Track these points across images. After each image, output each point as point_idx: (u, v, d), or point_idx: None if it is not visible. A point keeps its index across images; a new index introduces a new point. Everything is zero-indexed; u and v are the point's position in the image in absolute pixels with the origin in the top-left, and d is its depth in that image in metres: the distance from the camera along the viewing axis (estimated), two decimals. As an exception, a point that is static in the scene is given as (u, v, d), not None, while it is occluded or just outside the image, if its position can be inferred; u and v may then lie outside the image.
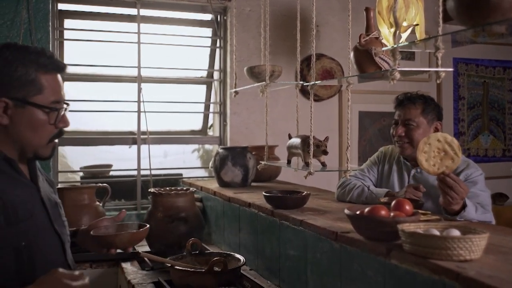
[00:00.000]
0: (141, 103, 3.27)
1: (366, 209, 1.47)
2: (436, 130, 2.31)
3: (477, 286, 1.06)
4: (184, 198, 2.61)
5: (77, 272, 1.28)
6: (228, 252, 2.24)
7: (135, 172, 3.31)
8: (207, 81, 3.63)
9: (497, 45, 4.33)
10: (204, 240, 2.67)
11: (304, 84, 2.19)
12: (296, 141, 2.10)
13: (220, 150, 2.92)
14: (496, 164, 4.41)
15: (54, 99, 1.47)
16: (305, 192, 2.13)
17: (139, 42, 3.27)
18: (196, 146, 3.79)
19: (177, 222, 2.55)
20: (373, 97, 3.78)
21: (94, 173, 3.45)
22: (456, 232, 1.25)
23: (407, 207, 1.46)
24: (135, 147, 3.30)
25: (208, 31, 3.59)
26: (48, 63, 1.47)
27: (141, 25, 3.29)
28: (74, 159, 3.44)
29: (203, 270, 1.94)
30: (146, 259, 2.33)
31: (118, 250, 1.73)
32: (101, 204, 2.81)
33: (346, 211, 1.50)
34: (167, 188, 2.74)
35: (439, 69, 1.39)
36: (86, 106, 3.29)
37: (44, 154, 1.51)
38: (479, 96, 4.42)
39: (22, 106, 1.42)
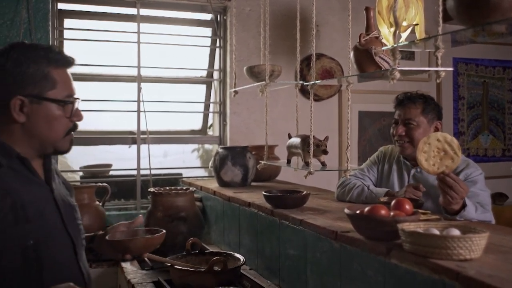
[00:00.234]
0: (141, 103, 3.27)
1: (366, 209, 1.46)
2: (436, 129, 2.31)
3: (477, 285, 1.06)
4: (184, 198, 2.62)
5: None
6: (228, 252, 2.24)
7: (134, 172, 3.31)
8: (207, 81, 3.63)
9: (497, 44, 4.33)
10: (204, 240, 2.66)
11: (304, 83, 2.19)
12: (296, 140, 2.09)
13: (220, 150, 2.92)
14: (495, 164, 4.41)
15: (67, 93, 1.47)
16: (305, 192, 2.13)
17: (138, 42, 3.26)
18: (196, 145, 3.79)
19: (177, 222, 2.55)
20: (373, 97, 3.77)
21: (94, 172, 3.44)
22: (456, 232, 1.25)
23: (407, 207, 1.46)
24: (134, 146, 3.30)
25: (208, 31, 3.59)
26: (58, 58, 1.47)
27: (141, 24, 3.28)
28: (74, 159, 3.43)
29: (203, 270, 1.94)
30: (146, 258, 2.33)
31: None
32: (101, 204, 2.81)
33: (346, 210, 1.50)
34: (167, 188, 2.75)
35: (439, 68, 1.39)
36: (85, 106, 3.26)
37: (63, 148, 1.51)
38: (478, 96, 4.42)
39: (38, 102, 1.42)
